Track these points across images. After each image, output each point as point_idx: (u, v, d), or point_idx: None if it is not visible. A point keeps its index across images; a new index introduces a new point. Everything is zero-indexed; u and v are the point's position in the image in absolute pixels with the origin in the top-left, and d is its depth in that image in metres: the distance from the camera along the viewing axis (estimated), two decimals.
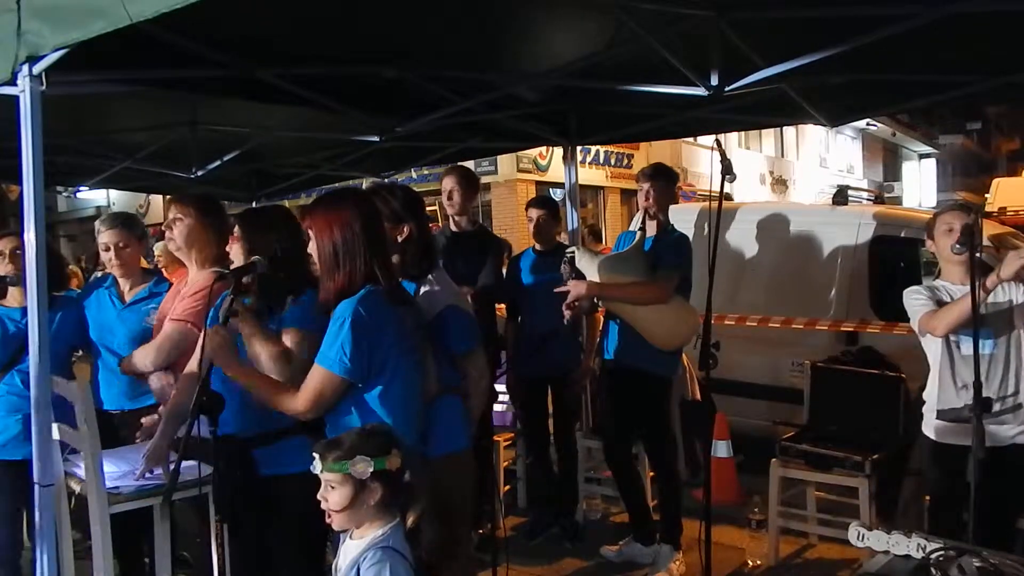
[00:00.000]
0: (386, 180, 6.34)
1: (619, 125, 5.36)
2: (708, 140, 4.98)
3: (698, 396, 4.90)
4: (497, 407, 4.93)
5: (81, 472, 2.85)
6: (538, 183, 16.57)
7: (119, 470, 2.98)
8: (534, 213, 4.74)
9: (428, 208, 3.78)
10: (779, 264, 5.84)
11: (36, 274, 2.49)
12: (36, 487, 2.55)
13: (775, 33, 3.53)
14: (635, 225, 4.51)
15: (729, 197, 5.24)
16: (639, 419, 4.27)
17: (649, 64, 3.75)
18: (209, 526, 2.73)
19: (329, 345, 2.42)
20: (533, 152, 16.03)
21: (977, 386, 2.80)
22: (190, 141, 4.99)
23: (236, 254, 2.86)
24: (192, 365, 3.01)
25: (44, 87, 2.42)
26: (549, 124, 5.33)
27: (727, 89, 3.83)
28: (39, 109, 2.42)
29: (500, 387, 4.79)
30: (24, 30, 2.33)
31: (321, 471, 2.13)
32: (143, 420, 3.29)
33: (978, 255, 2.88)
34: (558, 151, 6.26)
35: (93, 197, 21.88)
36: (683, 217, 5.35)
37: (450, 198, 4.46)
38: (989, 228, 5.51)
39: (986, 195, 13.71)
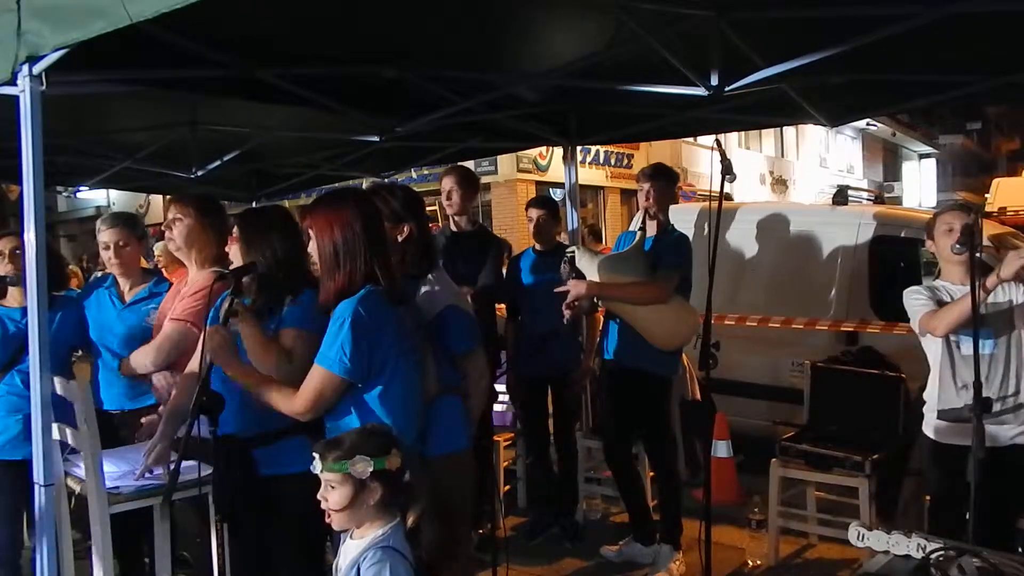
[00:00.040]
0: (386, 180, 6.34)
1: (619, 125, 5.36)
2: (708, 140, 4.98)
3: (698, 396, 4.90)
4: (497, 407, 4.93)
5: (81, 472, 2.86)
6: (538, 183, 16.57)
7: (119, 470, 2.98)
8: (534, 213, 4.74)
9: (428, 208, 3.78)
10: (779, 264, 5.84)
11: (36, 274, 2.49)
12: (36, 487, 2.55)
13: (775, 33, 3.53)
14: (635, 225, 4.51)
15: (729, 197, 5.24)
16: (639, 419, 4.27)
17: (649, 64, 3.75)
18: (209, 526, 2.73)
19: (329, 345, 2.42)
20: (533, 152, 16.03)
21: (977, 386, 2.80)
22: (190, 141, 4.99)
23: (235, 255, 2.86)
24: (192, 365, 3.01)
25: (44, 87, 2.42)
26: (549, 124, 5.34)
27: (727, 89, 3.84)
28: (39, 109, 2.43)
29: (500, 387, 4.79)
30: (24, 30, 2.33)
31: (321, 471, 2.13)
32: (143, 420, 3.29)
33: (978, 255, 2.88)
34: (558, 151, 6.26)
35: (93, 197, 21.89)
36: (683, 217, 5.35)
37: (449, 198, 4.45)
38: (989, 228, 5.51)
39: (986, 195, 13.70)
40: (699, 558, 3.77)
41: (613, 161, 18.67)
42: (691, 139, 17.89)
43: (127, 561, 3.59)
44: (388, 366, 2.46)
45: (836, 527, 4.14)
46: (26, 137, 2.43)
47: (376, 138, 5.02)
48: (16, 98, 2.43)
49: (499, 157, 15.26)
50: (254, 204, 6.72)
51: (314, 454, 2.14)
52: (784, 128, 23.22)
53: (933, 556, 2.16)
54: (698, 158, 19.29)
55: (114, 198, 20.64)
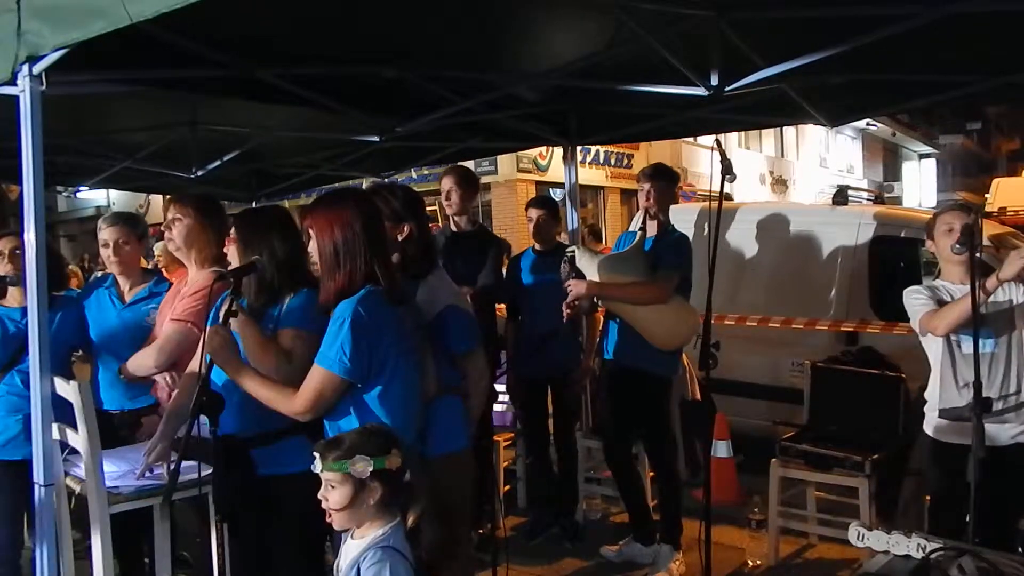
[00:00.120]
0: (386, 180, 6.34)
1: (619, 125, 5.36)
2: (708, 140, 4.98)
3: (698, 396, 4.90)
4: (497, 407, 4.93)
5: (81, 472, 2.85)
6: (538, 183, 16.57)
7: (119, 470, 2.98)
8: (534, 213, 4.74)
9: (428, 208, 3.78)
10: (779, 264, 5.84)
11: (36, 274, 2.50)
12: (36, 487, 2.56)
13: (775, 33, 3.53)
14: (635, 225, 4.51)
15: (729, 197, 5.25)
16: (639, 419, 4.27)
17: (649, 64, 3.75)
18: (209, 526, 2.73)
19: (329, 345, 2.42)
20: (533, 152, 16.03)
21: (977, 386, 2.80)
22: (190, 141, 4.99)
23: (232, 255, 2.86)
24: (193, 365, 3.01)
25: (44, 87, 2.42)
26: (549, 124, 5.34)
27: (727, 89, 3.84)
28: (39, 109, 2.43)
29: (500, 387, 4.79)
30: (24, 30, 2.33)
31: (321, 470, 2.13)
32: (143, 420, 3.29)
33: (978, 255, 2.88)
34: (558, 151, 6.27)
35: (93, 197, 21.90)
36: (683, 217, 5.36)
37: (448, 198, 4.45)
38: (989, 228, 5.52)
39: (986, 195, 13.71)
40: (699, 558, 3.77)
41: (613, 161, 18.67)
42: (691, 139, 17.89)
43: (127, 561, 3.59)
44: (388, 366, 2.46)
45: (836, 527, 4.14)
46: (26, 137, 2.43)
47: (376, 138, 5.02)
48: (16, 98, 2.43)
49: (499, 157, 15.26)
50: (254, 204, 6.72)
51: (314, 454, 2.14)
52: (784, 128, 23.22)
53: (933, 556, 2.16)
54: (698, 158, 19.29)
55: (114, 198, 20.65)
